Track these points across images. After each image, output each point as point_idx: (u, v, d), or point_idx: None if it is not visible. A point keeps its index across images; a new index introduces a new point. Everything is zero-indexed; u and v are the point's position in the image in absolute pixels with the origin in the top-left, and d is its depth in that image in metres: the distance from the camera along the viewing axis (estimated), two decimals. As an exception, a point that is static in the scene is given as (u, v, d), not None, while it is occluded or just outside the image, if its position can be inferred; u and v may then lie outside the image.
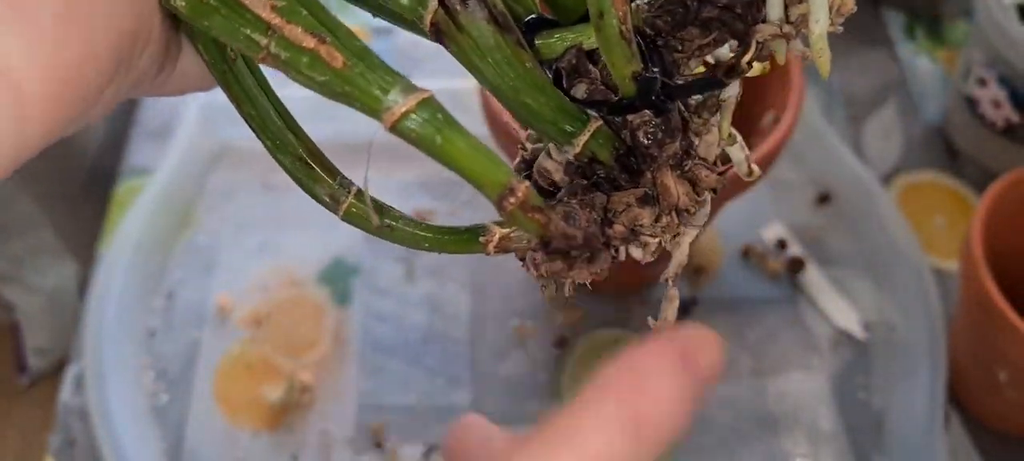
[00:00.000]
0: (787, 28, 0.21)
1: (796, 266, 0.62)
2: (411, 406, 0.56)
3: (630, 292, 0.60)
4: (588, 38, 0.21)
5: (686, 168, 0.21)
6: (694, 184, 0.22)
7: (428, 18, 0.18)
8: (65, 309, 1.01)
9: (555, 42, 0.21)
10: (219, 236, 0.64)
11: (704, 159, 0.22)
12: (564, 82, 0.21)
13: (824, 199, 0.66)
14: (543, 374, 0.57)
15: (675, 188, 0.21)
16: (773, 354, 0.59)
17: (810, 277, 0.62)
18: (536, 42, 0.21)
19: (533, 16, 0.21)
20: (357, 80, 0.18)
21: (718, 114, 0.22)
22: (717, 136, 0.22)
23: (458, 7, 0.18)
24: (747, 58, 0.21)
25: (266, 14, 0.18)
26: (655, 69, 0.20)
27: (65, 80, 0.18)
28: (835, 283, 0.62)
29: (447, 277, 0.61)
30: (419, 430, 0.54)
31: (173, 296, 0.60)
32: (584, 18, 0.20)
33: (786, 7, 0.21)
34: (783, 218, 0.65)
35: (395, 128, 0.18)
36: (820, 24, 0.20)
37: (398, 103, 0.17)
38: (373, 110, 0.18)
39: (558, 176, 0.22)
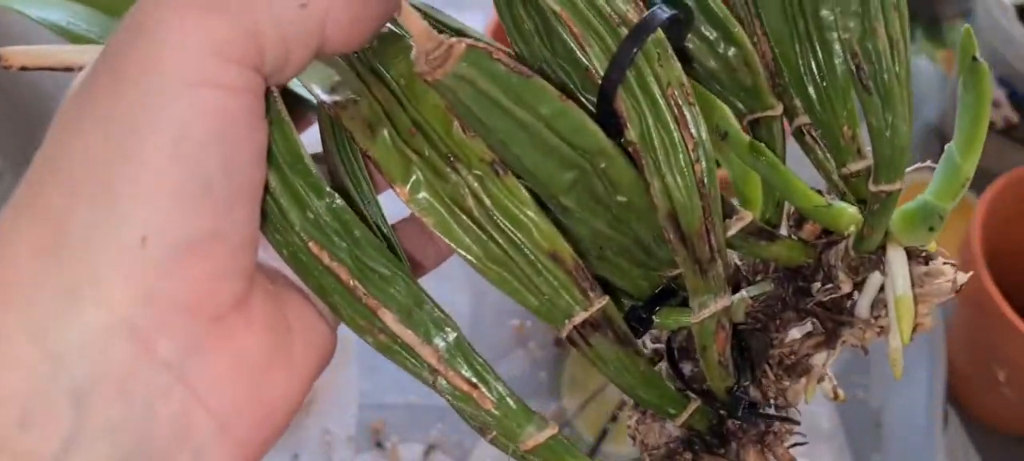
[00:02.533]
0: (869, 333, 0.26)
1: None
2: (411, 405, 0.56)
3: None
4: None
5: (767, 441, 0.26)
6: (772, 453, 0.27)
7: (564, 332, 0.23)
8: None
9: (670, 319, 0.25)
10: (220, 236, 0.64)
11: (781, 437, 0.27)
12: (675, 354, 0.26)
13: (823, 199, 0.66)
14: (543, 373, 0.57)
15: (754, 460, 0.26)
16: (772, 353, 0.59)
17: (809, 277, 0.62)
18: (655, 318, 0.25)
19: (660, 288, 0.25)
20: (501, 418, 0.23)
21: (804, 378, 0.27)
22: (802, 388, 0.27)
23: (595, 328, 0.23)
24: (830, 361, 0.26)
25: (434, 362, 0.23)
26: (746, 383, 0.25)
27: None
28: (834, 283, 0.62)
29: (447, 277, 0.61)
30: (419, 429, 0.55)
31: (174, 296, 0.61)
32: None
33: (872, 311, 0.26)
34: (782, 218, 0.65)
35: (528, 450, 0.23)
36: (896, 340, 0.25)
37: (532, 435, 0.23)
38: (511, 438, 0.23)
39: (664, 439, 0.27)
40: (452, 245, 0.22)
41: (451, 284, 0.61)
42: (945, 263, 0.26)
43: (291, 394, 0.21)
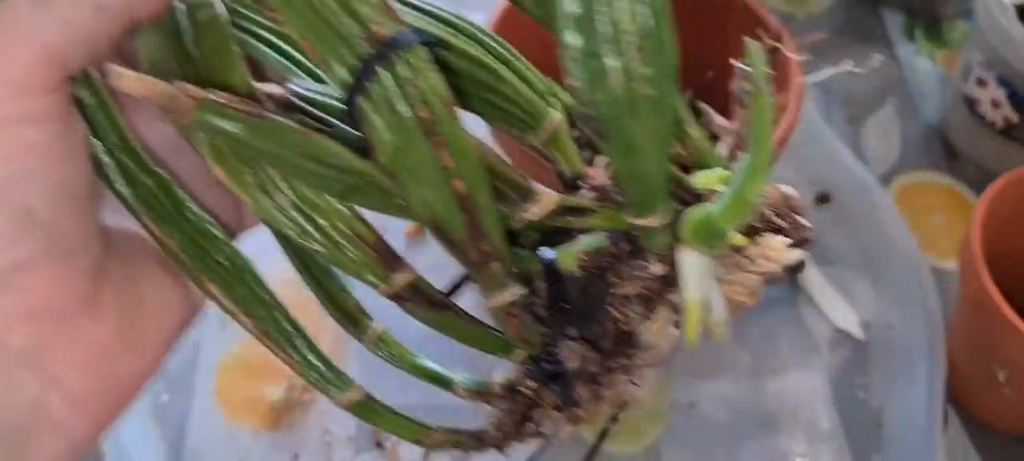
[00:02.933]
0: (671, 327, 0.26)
1: (795, 266, 0.62)
2: (411, 405, 0.56)
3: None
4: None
5: (599, 380, 0.27)
6: (606, 392, 0.28)
7: (386, 293, 0.25)
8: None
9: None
10: (220, 236, 0.64)
11: (615, 377, 0.28)
12: None
13: (823, 199, 0.66)
14: (543, 373, 0.57)
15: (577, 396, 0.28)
16: (772, 353, 0.59)
17: (809, 277, 0.62)
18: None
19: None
20: (319, 381, 0.26)
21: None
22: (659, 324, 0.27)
23: (404, 299, 0.25)
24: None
25: (255, 331, 0.25)
26: (552, 349, 0.27)
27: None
28: (834, 283, 0.62)
29: (447, 276, 0.61)
30: (419, 429, 0.55)
31: (174, 296, 0.61)
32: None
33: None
34: (782, 218, 0.65)
35: (344, 407, 0.28)
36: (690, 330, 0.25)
37: (340, 401, 0.27)
38: (331, 397, 0.27)
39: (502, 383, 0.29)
40: (273, 225, 0.23)
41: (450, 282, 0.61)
42: (780, 235, 0.25)
43: (143, 366, 0.24)
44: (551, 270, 0.25)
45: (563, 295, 0.26)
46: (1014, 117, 0.63)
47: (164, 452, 0.54)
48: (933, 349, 0.57)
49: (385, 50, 0.20)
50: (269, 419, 0.55)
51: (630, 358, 0.27)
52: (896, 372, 0.57)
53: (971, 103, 0.66)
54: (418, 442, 0.28)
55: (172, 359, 0.57)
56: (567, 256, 0.25)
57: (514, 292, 0.24)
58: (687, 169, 0.25)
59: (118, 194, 0.23)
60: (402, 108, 0.20)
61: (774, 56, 0.56)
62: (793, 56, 0.52)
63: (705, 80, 0.61)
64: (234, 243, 0.25)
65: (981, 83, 0.64)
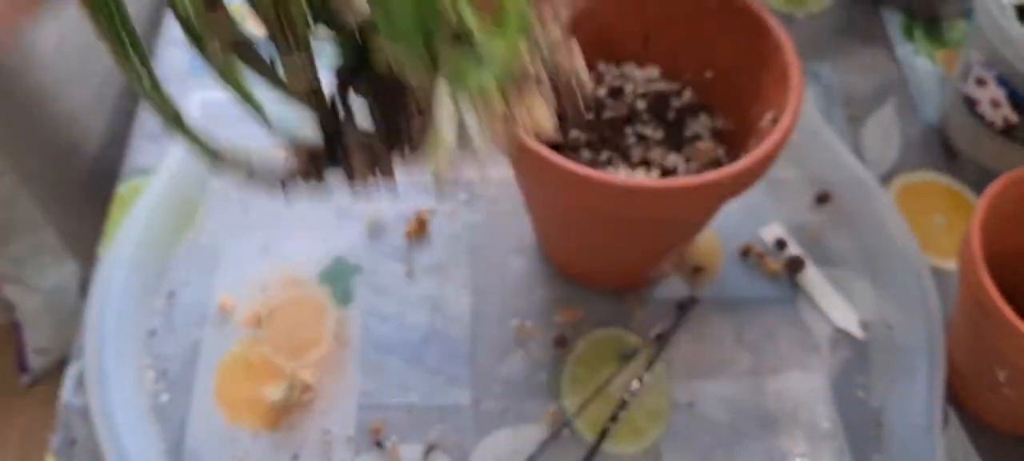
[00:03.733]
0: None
1: (795, 266, 0.62)
2: (411, 405, 0.56)
3: (629, 291, 0.61)
4: None
5: (377, 162, 0.30)
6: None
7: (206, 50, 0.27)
8: (66, 309, 1.01)
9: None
10: (220, 236, 0.64)
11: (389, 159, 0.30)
12: None
13: (823, 199, 0.66)
14: (543, 374, 0.57)
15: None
16: (772, 353, 0.59)
17: (809, 277, 0.62)
18: None
19: None
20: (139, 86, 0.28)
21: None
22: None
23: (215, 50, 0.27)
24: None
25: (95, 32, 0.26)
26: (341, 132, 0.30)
27: None
28: (834, 282, 0.62)
29: (447, 277, 0.61)
30: (419, 429, 0.55)
31: (174, 296, 0.61)
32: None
33: None
34: (782, 218, 0.65)
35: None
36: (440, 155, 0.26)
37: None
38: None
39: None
40: None
41: (452, 283, 0.61)
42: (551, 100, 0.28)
43: None
44: (362, 54, 0.29)
45: (372, 79, 0.29)
46: (1014, 117, 0.63)
47: (164, 452, 0.54)
48: (933, 349, 0.57)
49: None
50: (269, 419, 0.55)
51: (414, 142, 0.30)
52: (896, 372, 0.57)
53: (971, 103, 0.66)
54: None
55: (172, 359, 0.57)
56: (378, 55, 0.28)
57: (311, 81, 0.27)
58: None
59: None
60: None
61: (774, 56, 0.56)
62: (792, 55, 0.52)
63: (704, 79, 0.61)
64: None
65: (981, 83, 0.65)
